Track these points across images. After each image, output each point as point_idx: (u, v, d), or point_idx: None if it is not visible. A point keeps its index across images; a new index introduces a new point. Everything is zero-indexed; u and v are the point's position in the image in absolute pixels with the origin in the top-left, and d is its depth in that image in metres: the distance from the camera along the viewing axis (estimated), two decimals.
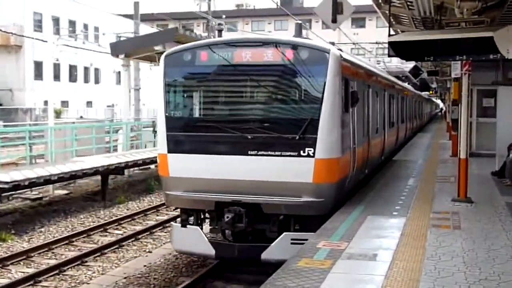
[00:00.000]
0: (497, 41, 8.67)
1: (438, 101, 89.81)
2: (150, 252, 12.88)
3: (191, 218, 10.30)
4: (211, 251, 9.87)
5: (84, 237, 13.99)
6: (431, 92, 57.37)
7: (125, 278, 10.92)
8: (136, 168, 22.96)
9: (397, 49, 9.38)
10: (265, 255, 9.49)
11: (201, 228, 10.15)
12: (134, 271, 11.34)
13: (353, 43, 48.27)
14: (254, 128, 9.51)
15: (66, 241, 13.50)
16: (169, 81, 10.13)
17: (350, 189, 11.02)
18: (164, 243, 13.61)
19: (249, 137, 9.46)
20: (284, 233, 9.48)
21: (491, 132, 16.38)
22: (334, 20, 10.58)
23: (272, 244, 9.45)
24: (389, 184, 13.21)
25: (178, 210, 12.19)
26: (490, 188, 12.57)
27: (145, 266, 11.67)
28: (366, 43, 52.38)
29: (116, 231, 14.81)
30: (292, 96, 9.68)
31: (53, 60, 42.75)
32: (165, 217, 16.31)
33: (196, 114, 10.17)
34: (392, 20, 15.39)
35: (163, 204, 17.94)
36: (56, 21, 52.01)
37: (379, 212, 9.79)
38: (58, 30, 50.28)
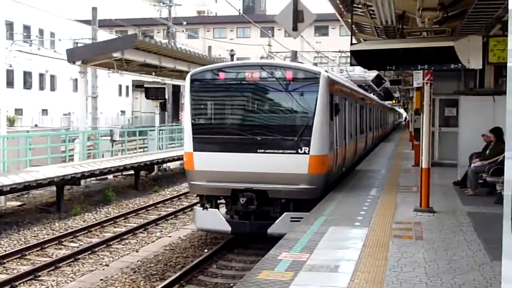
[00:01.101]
0: (458, 51, 8.84)
1: (401, 111, 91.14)
2: (107, 265, 12.68)
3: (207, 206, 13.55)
4: (227, 228, 13.06)
5: (37, 251, 13.71)
6: (394, 101, 58.21)
7: None
8: (93, 179, 22.66)
9: (359, 58, 9.49)
10: (271, 230, 12.64)
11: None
12: (90, 285, 11.14)
13: (316, 52, 48.65)
14: (262, 132, 12.91)
15: (19, 255, 13.20)
16: (194, 95, 13.43)
17: (333, 182, 14.44)
18: (121, 256, 13.43)
19: (258, 138, 12.84)
20: (285, 213, 12.67)
21: (453, 141, 16.67)
22: (294, 28, 10.65)
23: (276, 221, 12.65)
24: (352, 194, 13.35)
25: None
26: (452, 198, 12.79)
27: (101, 280, 11.49)
28: (329, 52, 52.89)
29: (72, 244, 14.56)
30: (292, 108, 13.12)
31: (6, 66, 41.97)
32: (123, 229, 16.11)
33: (216, 121, 13.56)
34: (354, 28, 15.58)
35: (121, 216, 17.73)
36: (9, 25, 51.06)
37: (341, 223, 9.86)
38: (12, 35, 49.37)
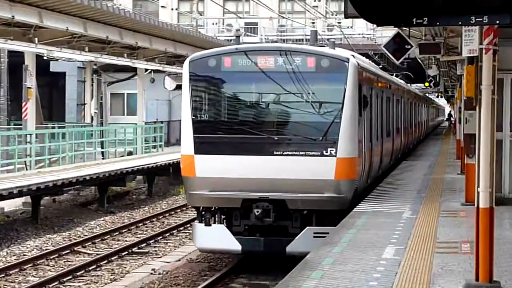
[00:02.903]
0: None
1: (442, 102, 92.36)
2: None
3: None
4: (237, 246, 18.87)
5: None
6: (427, 84, 58.70)
7: None
8: None
9: (362, 4, 9.53)
10: (290, 248, 18.42)
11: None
12: None
13: None
14: (279, 130, 19.16)
15: None
16: (194, 85, 19.46)
17: (360, 193, 20.81)
18: None
19: (275, 138, 18.93)
20: (307, 227, 18.56)
21: None
22: None
23: (296, 237, 18.45)
24: (349, 256, 13.50)
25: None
26: None
27: None
28: None
29: None
30: (315, 101, 19.15)
31: None
32: None
33: (223, 117, 19.75)
34: None
35: None
36: None
37: None
38: None
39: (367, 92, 21.33)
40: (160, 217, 31.72)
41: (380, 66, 40.37)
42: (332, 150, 18.55)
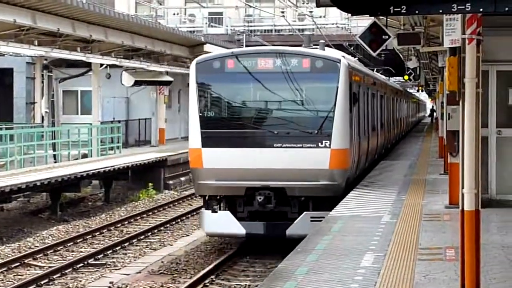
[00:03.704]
0: None
1: (423, 97, 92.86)
2: None
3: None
4: (241, 231, 23.58)
5: None
6: (406, 77, 58.85)
7: None
8: None
9: None
10: (290, 231, 23.16)
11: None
12: None
13: None
14: (278, 125, 23.89)
15: None
16: (201, 85, 24.22)
17: (351, 182, 25.60)
18: None
19: (275, 132, 23.74)
20: (305, 212, 23.40)
21: None
22: None
23: (295, 222, 23.24)
24: (326, 265, 13.53)
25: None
26: None
27: None
28: None
29: None
30: (310, 99, 24.18)
31: None
32: None
33: (228, 113, 24.75)
34: None
35: None
36: None
37: None
38: None
39: (356, 89, 25.94)
40: (119, 225, 31.77)
41: (356, 58, 40.48)
42: (327, 142, 23.44)
